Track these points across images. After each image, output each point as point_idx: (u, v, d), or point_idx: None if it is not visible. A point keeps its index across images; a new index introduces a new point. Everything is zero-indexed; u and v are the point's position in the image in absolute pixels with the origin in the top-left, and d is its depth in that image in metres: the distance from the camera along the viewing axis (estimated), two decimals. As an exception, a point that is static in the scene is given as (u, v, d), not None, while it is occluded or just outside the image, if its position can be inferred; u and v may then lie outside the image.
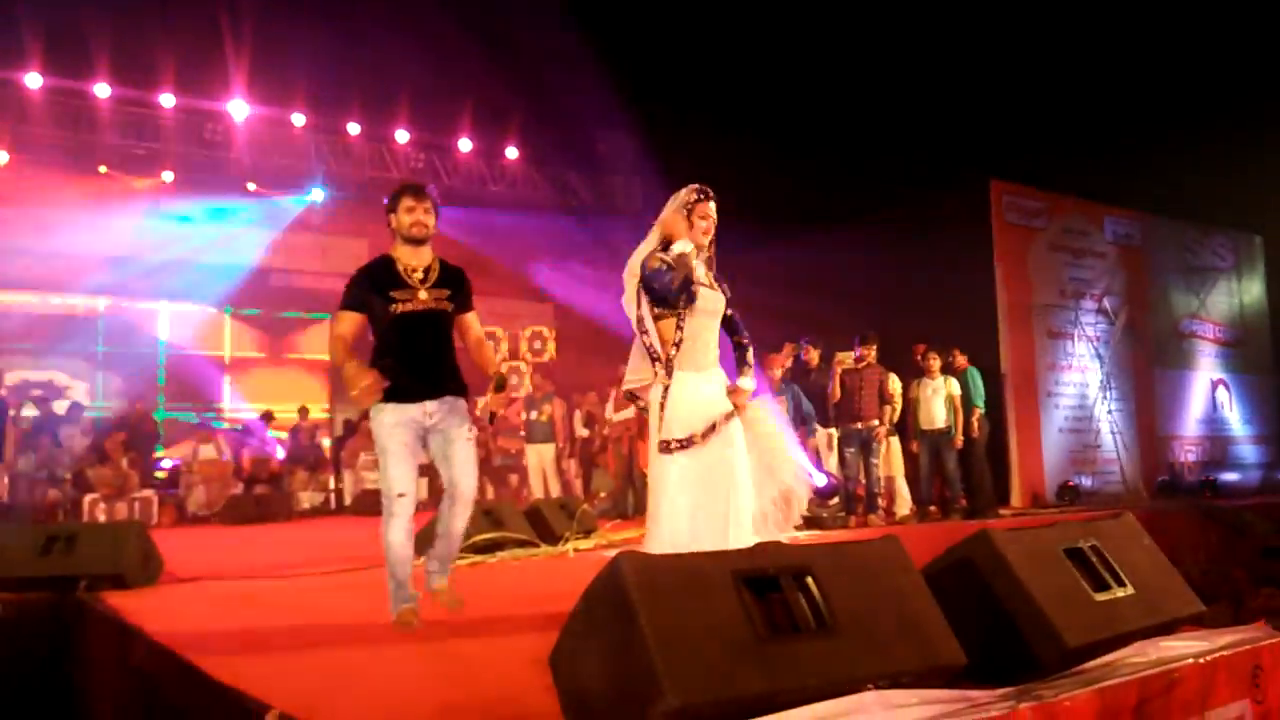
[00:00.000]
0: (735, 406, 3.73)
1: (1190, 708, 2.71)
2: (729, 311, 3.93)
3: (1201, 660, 2.75)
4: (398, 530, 3.88)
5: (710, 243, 3.93)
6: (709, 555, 2.26)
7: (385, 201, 4.10)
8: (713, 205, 3.89)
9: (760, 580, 2.14)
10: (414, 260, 4.01)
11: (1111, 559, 2.73)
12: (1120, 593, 2.66)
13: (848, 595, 2.20)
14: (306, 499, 12.42)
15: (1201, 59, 11.75)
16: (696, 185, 3.94)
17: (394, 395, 3.88)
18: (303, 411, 13.53)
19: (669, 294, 3.68)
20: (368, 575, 5.74)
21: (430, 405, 3.92)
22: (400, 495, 3.85)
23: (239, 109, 13.29)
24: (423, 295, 3.94)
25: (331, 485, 12.98)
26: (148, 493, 11.36)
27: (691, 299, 3.72)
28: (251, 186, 13.88)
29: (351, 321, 3.96)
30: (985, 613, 2.44)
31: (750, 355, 3.97)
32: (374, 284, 3.95)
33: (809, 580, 2.18)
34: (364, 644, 3.66)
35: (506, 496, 12.03)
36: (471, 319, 4.15)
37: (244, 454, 12.42)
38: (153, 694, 3.59)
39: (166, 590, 5.33)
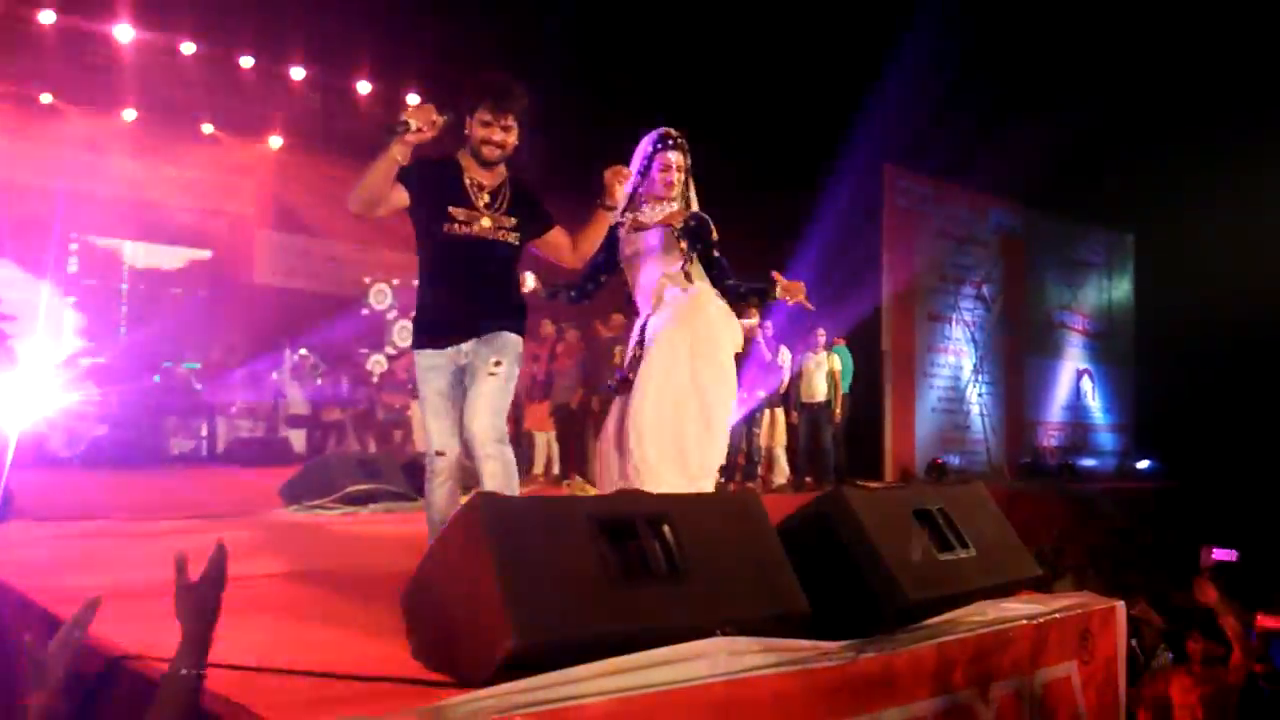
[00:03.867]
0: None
1: (1022, 665, 2.87)
2: (715, 253, 3.81)
3: (1035, 621, 2.91)
4: (438, 490, 3.39)
5: (684, 185, 3.83)
6: (568, 500, 2.28)
7: (462, 101, 3.32)
8: (674, 154, 3.78)
9: (617, 525, 2.17)
10: (484, 177, 3.34)
11: (958, 522, 2.85)
12: (963, 554, 2.79)
13: (702, 543, 2.25)
14: (176, 445, 11.99)
15: (1088, 60, 12.20)
16: (657, 133, 3.82)
17: (429, 336, 3.35)
18: (176, 354, 13.01)
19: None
20: (227, 523, 5.60)
21: (466, 345, 3.31)
22: (439, 453, 3.33)
23: (124, 32, 12.61)
24: (485, 222, 3.29)
25: (203, 432, 12.56)
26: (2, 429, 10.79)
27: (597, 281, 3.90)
28: (208, 129, 13.36)
29: (387, 176, 3.16)
30: (834, 566, 2.52)
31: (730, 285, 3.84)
32: (433, 186, 3.28)
33: (665, 528, 2.21)
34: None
35: (392, 452, 11.85)
36: (557, 235, 3.49)
37: (112, 395, 11.89)
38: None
39: (16, 529, 5.09)
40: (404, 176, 3.20)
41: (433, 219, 3.26)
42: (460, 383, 3.31)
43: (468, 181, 3.30)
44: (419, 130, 3.09)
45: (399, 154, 3.12)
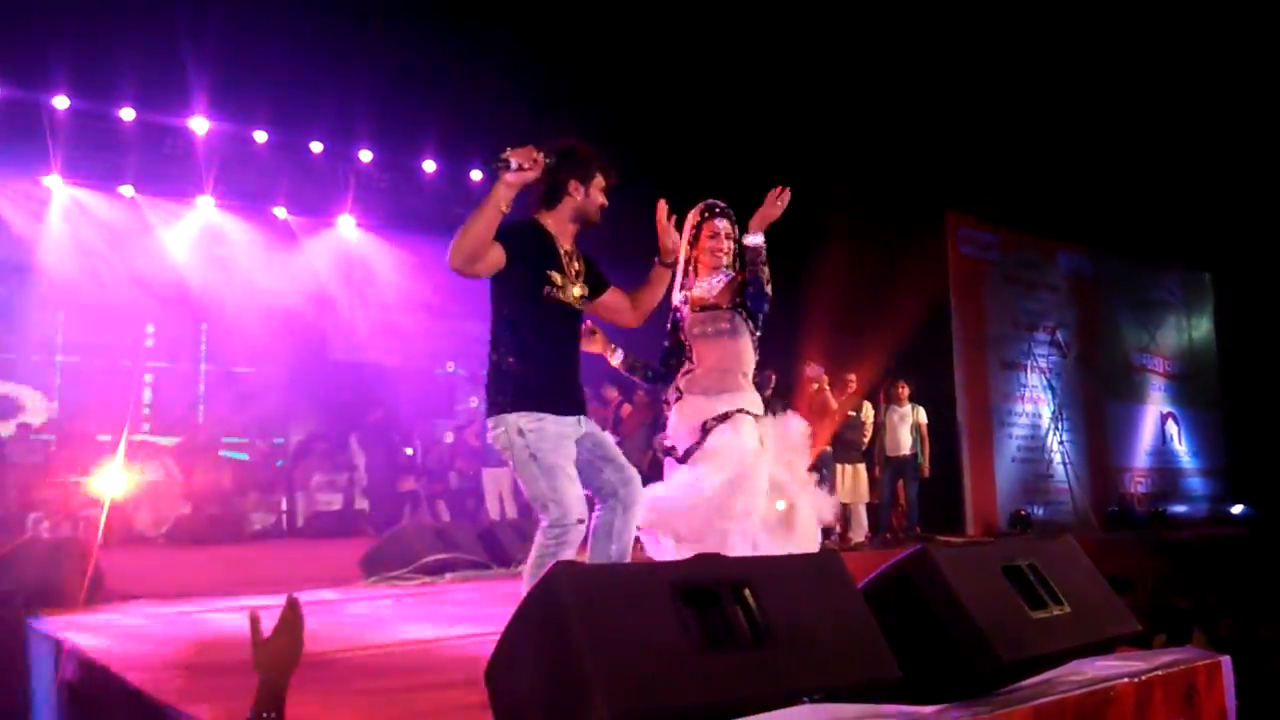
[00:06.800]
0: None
1: (1126, 727, 2.74)
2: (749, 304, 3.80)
3: (1137, 679, 2.78)
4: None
5: (733, 257, 3.86)
6: (647, 566, 2.25)
7: (561, 158, 3.16)
8: (721, 221, 3.84)
9: (697, 592, 2.13)
10: (569, 244, 3.29)
11: (1049, 578, 2.75)
12: (1057, 611, 2.68)
13: (785, 608, 2.20)
14: (258, 520, 12.21)
15: (1155, 99, 12.04)
16: (702, 203, 3.88)
17: (549, 403, 3.15)
18: (256, 432, 13.33)
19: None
20: (311, 597, 5.66)
21: (582, 419, 3.26)
22: (580, 522, 3.09)
23: (199, 124, 13.19)
24: (575, 291, 3.24)
25: (283, 506, 12.78)
26: (93, 512, 11.10)
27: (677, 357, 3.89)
28: (281, 213, 13.90)
29: (491, 224, 3.01)
30: (922, 628, 2.44)
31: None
32: (531, 248, 3.18)
33: (746, 593, 2.17)
34: (301, 664, 3.60)
35: (463, 519, 11.92)
36: (616, 297, 3.44)
37: (194, 473, 12.19)
38: (85, 710, 3.50)
39: (106, 608, 5.21)
40: (499, 235, 3.07)
41: (532, 282, 3.14)
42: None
43: (560, 251, 3.22)
44: (520, 169, 2.99)
45: (503, 199, 3.00)
